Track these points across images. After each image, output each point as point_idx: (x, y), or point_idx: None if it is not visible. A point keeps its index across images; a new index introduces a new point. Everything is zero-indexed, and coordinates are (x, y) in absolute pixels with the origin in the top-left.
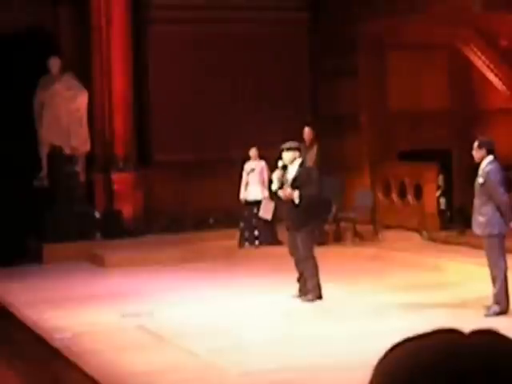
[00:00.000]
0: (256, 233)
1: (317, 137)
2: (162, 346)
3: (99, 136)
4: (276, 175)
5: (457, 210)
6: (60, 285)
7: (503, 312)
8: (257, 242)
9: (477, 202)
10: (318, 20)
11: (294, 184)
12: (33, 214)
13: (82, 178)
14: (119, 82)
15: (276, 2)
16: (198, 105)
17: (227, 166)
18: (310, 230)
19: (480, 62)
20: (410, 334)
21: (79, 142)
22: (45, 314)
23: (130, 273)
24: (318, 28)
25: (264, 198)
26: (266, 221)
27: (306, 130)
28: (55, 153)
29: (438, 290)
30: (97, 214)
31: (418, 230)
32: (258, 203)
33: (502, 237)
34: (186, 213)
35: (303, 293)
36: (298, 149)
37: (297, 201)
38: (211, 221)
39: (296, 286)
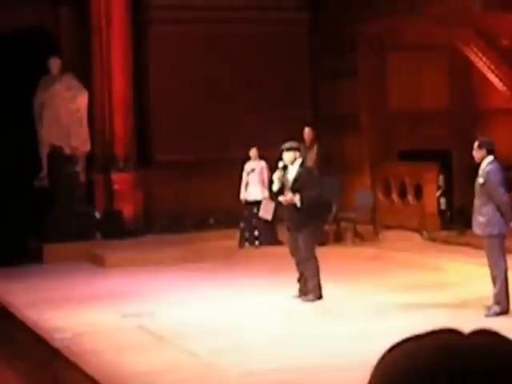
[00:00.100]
0: (256, 233)
1: (317, 137)
2: (162, 346)
3: (99, 136)
4: (277, 175)
5: (457, 210)
6: (60, 285)
7: (503, 312)
8: (257, 242)
9: (477, 202)
10: (318, 20)
11: (295, 185)
12: (33, 214)
13: (82, 178)
14: (119, 82)
15: (276, 2)
16: (198, 105)
17: (227, 166)
18: (311, 230)
19: (480, 62)
20: (410, 334)
21: (79, 142)
22: (45, 314)
23: (130, 273)
24: (318, 28)
25: (264, 198)
26: (266, 221)
27: (306, 130)
28: (55, 153)
29: (438, 290)
30: (97, 214)
31: (418, 230)
32: (258, 203)
33: (502, 237)
34: (187, 213)
35: (303, 293)
36: (298, 149)
37: (298, 204)
38: (211, 221)
39: (296, 287)
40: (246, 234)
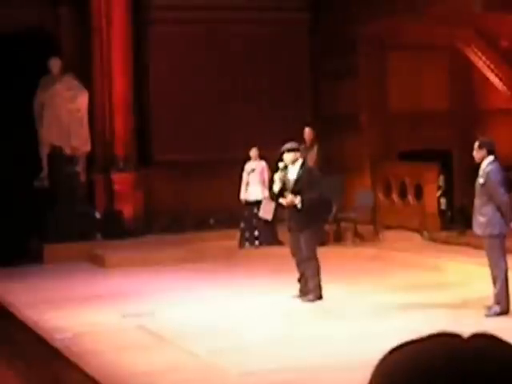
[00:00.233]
0: (256, 233)
1: (317, 137)
2: (162, 346)
3: (99, 136)
4: (278, 176)
5: (457, 210)
6: (61, 285)
7: (504, 312)
8: (257, 242)
9: (477, 202)
10: (318, 20)
11: (296, 186)
12: (33, 214)
13: (83, 178)
14: (119, 82)
15: (276, 3)
16: (198, 105)
17: (227, 167)
18: (313, 231)
19: (480, 62)
20: (411, 334)
21: (80, 142)
22: (45, 314)
23: (130, 273)
24: (318, 28)
25: (264, 199)
26: (266, 221)
27: (307, 131)
28: (56, 153)
29: (438, 291)
30: (97, 215)
31: (418, 231)
32: (258, 203)
33: (502, 237)
34: (187, 213)
35: (304, 293)
36: (298, 149)
37: (299, 206)
38: (211, 221)
39: (296, 287)
40: (247, 234)
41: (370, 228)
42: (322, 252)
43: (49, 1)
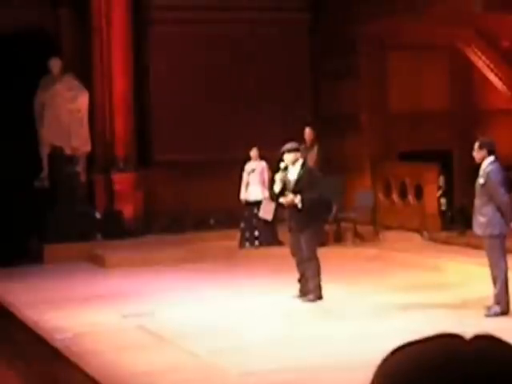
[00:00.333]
0: (256, 233)
1: (317, 137)
2: (162, 346)
3: (100, 136)
4: (279, 176)
5: (457, 210)
6: (61, 285)
7: (504, 312)
8: (257, 243)
9: (477, 202)
10: (318, 21)
11: (297, 186)
12: (33, 214)
13: (83, 178)
14: (120, 82)
15: (276, 3)
16: (198, 105)
17: (228, 167)
18: (313, 231)
19: (480, 62)
20: (411, 334)
21: (80, 142)
22: (45, 314)
23: (130, 273)
24: (318, 29)
25: (264, 199)
26: (266, 221)
27: (307, 131)
28: (56, 153)
29: (438, 291)
30: (97, 215)
31: (418, 231)
32: (258, 203)
33: (502, 237)
34: (187, 213)
35: (304, 293)
36: (298, 150)
37: (299, 205)
38: (212, 221)
39: (297, 287)
40: (247, 235)
41: (370, 228)
42: (322, 252)
43: (49, 1)
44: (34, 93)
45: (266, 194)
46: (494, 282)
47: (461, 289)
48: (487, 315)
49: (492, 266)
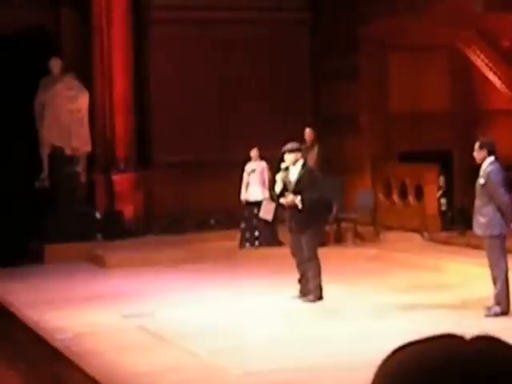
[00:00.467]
0: (256, 233)
1: (318, 137)
2: (162, 346)
3: (100, 137)
4: (279, 176)
5: (458, 210)
6: (61, 285)
7: (504, 313)
8: (257, 243)
9: (478, 202)
10: (319, 21)
11: (297, 187)
12: (34, 214)
13: (83, 178)
14: (120, 82)
15: (277, 3)
16: (198, 106)
17: (228, 167)
18: (314, 231)
19: (481, 62)
20: (411, 334)
21: (80, 142)
22: (46, 314)
23: (130, 273)
24: (319, 29)
25: (264, 199)
26: (266, 221)
27: (307, 131)
28: (56, 153)
29: (438, 291)
30: (98, 215)
31: (418, 231)
32: (258, 204)
33: (502, 237)
34: (187, 213)
35: (304, 294)
36: (299, 150)
37: (300, 206)
38: (212, 221)
39: (297, 287)
40: (247, 235)
41: (370, 228)
42: (322, 252)
43: (49, 1)
44: (34, 93)
45: (267, 194)
46: (495, 283)
47: (461, 289)
48: (487, 315)
49: (492, 267)
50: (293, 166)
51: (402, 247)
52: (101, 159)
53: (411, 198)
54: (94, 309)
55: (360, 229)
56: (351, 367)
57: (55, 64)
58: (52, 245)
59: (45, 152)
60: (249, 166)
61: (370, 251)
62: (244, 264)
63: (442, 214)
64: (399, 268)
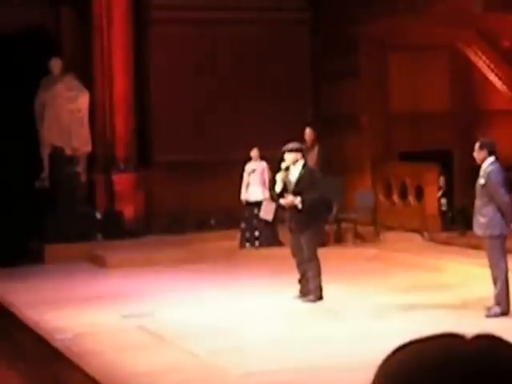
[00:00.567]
0: (257, 233)
1: (318, 137)
2: (162, 346)
3: (100, 137)
4: (280, 176)
5: (458, 211)
6: (61, 285)
7: (504, 313)
8: (257, 243)
9: (478, 203)
10: (319, 21)
11: (297, 187)
12: (34, 214)
13: (83, 178)
14: (120, 82)
15: (277, 3)
16: (198, 105)
17: (228, 167)
18: (314, 231)
19: (481, 62)
20: (411, 334)
21: (80, 142)
22: (46, 314)
23: (130, 273)
24: (319, 29)
25: (265, 199)
26: (266, 222)
27: (307, 131)
28: (56, 153)
29: (438, 291)
30: (98, 215)
31: (419, 231)
32: (258, 204)
33: (503, 238)
34: (187, 213)
35: (304, 294)
36: (300, 150)
37: (299, 206)
38: (212, 222)
39: (297, 287)
40: (247, 235)
41: (370, 229)
42: (322, 253)
43: (49, 0)
44: (34, 93)
45: (267, 194)
46: (495, 283)
47: (461, 289)
48: (487, 316)
49: (492, 267)
50: (293, 166)
51: (402, 247)
52: (101, 159)
53: (411, 198)
54: (94, 309)
55: (360, 229)
56: (351, 367)
57: (55, 64)
58: (52, 245)
59: (45, 152)
60: (249, 166)
61: (370, 251)
62: (244, 264)
63: (442, 214)
64: (399, 268)
